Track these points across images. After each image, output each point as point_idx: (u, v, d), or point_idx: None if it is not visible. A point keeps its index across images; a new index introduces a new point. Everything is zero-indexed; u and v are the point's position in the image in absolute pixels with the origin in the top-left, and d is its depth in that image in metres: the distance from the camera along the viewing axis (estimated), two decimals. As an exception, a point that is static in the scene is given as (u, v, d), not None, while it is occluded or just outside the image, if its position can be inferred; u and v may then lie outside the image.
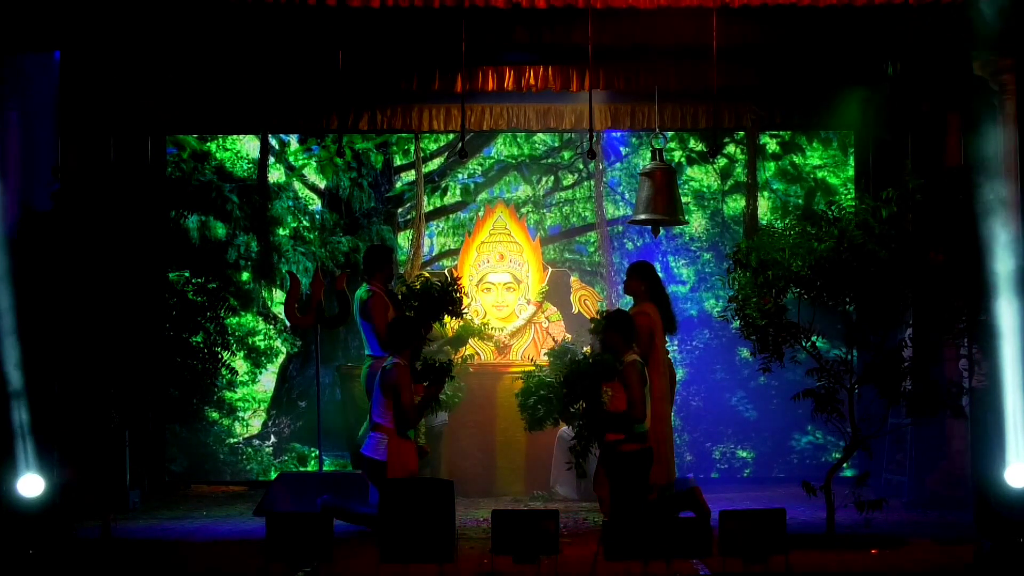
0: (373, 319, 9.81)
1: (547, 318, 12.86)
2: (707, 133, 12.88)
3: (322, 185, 14.38)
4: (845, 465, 10.83)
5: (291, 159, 14.36)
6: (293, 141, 14.30)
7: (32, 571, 8.29)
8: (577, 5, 10.08)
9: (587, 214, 14.39)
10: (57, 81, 10.73)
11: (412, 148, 13.74)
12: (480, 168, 14.43)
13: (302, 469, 13.60)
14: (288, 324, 12.86)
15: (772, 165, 14.14)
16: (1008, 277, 9.24)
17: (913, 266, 9.05)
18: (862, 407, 10.01)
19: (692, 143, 14.05)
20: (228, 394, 13.74)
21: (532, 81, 11.51)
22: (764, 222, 12.62)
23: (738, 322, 9.33)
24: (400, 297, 9.89)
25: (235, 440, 13.95)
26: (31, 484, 8.65)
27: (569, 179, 14.53)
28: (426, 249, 13.77)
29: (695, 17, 10.27)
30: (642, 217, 11.50)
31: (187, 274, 10.04)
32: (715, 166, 14.09)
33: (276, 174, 14.13)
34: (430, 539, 7.88)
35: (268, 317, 13.95)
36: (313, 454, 13.52)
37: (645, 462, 8.74)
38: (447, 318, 10.12)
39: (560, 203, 14.53)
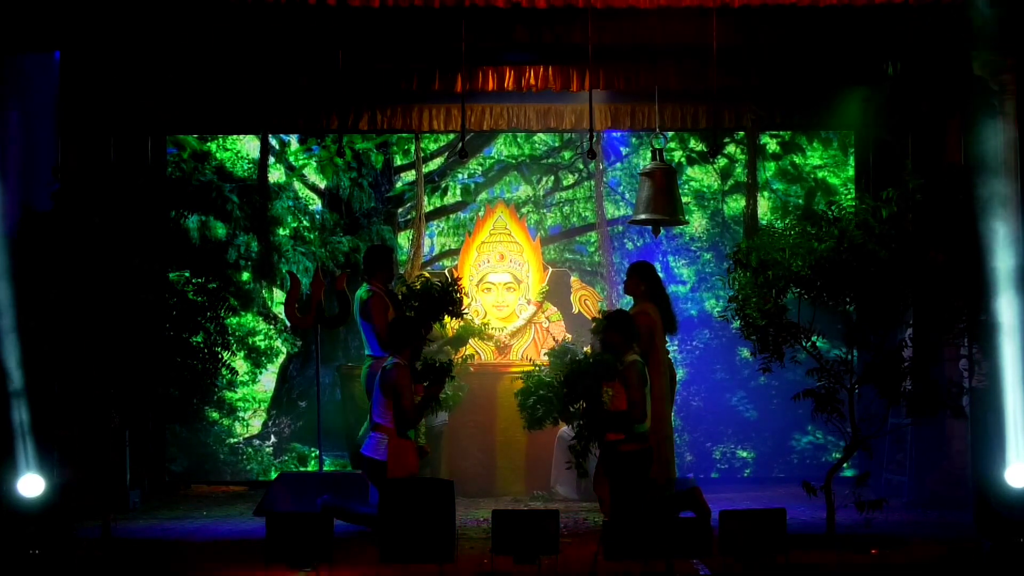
0: (373, 319, 9.81)
1: (547, 318, 12.86)
2: (707, 133, 12.88)
3: (322, 185, 14.38)
4: (845, 465, 10.83)
5: (291, 159, 14.36)
6: (293, 141, 14.30)
7: (32, 571, 8.29)
8: (577, 5, 10.08)
9: (587, 214, 14.40)
10: (57, 81, 10.73)
11: (412, 148, 13.74)
12: (480, 168, 14.43)
13: (302, 469, 13.60)
14: (288, 324, 12.86)
15: (772, 165, 14.14)
16: (1008, 277, 9.25)
17: (913, 266, 9.05)
18: (862, 407, 10.01)
19: (692, 143, 14.06)
20: (228, 394, 13.74)
21: (532, 81, 11.51)
22: (764, 222, 12.63)
23: (738, 322, 9.33)
24: (400, 297, 9.89)
25: (235, 440, 13.95)
26: (31, 484, 8.65)
27: (569, 179, 14.53)
28: (426, 249, 13.77)
29: (695, 17, 10.27)
30: (642, 217, 11.50)
31: (187, 274, 10.03)
32: (715, 166, 14.09)
33: (276, 174, 14.12)
34: (430, 539, 7.88)
35: (268, 317, 13.95)
36: (313, 454, 13.52)
37: (645, 462, 8.75)
38: (447, 318, 10.12)
39: (560, 203, 14.53)
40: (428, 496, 8.04)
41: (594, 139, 11.67)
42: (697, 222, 14.22)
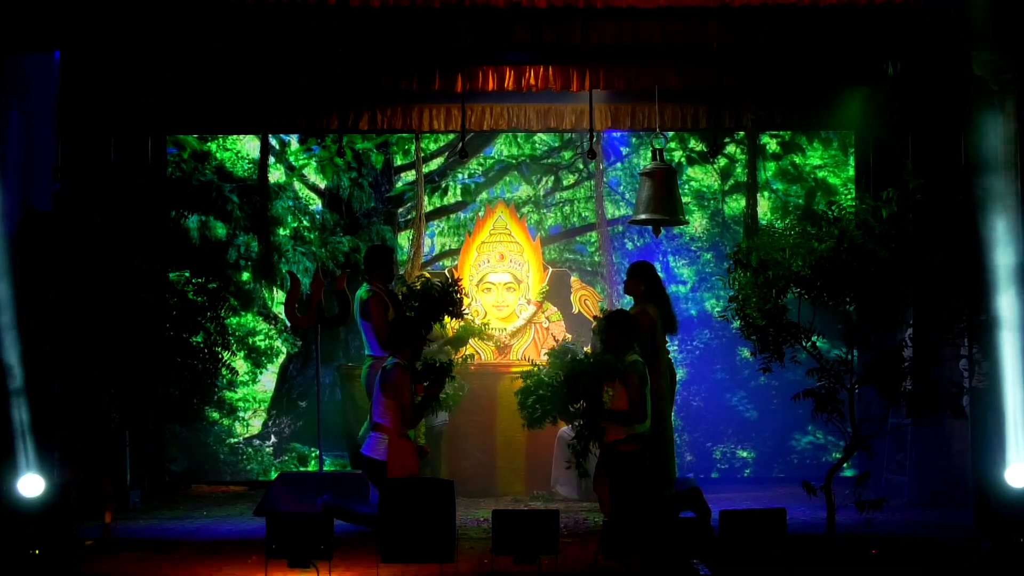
0: (373, 319, 9.81)
1: (547, 318, 12.86)
2: (707, 133, 12.88)
3: (322, 185, 14.38)
4: (845, 465, 10.83)
5: (291, 159, 14.37)
6: (293, 141, 14.30)
7: (32, 571, 8.29)
8: (577, 5, 10.08)
9: (587, 214, 14.40)
10: (57, 81, 10.73)
11: (412, 148, 13.74)
12: (480, 168, 14.44)
13: (302, 469, 13.60)
14: (288, 324, 12.86)
15: (772, 165, 14.15)
16: (1008, 277, 9.25)
17: (913, 266, 9.04)
18: (862, 407, 10.01)
19: (692, 143, 14.06)
20: (228, 394, 13.75)
21: (532, 81, 11.50)
22: (764, 222, 12.61)
23: (738, 322, 9.33)
24: (400, 297, 9.89)
25: (235, 440, 13.96)
26: (31, 484, 8.65)
27: (569, 179, 14.53)
28: (426, 249, 13.77)
29: (695, 17, 10.27)
30: (642, 217, 11.50)
31: (187, 274, 10.03)
32: (715, 166, 14.09)
33: (276, 174, 14.13)
34: (430, 539, 7.88)
35: (268, 317, 13.95)
36: (313, 454, 13.52)
37: (645, 462, 8.74)
38: (447, 318, 10.12)
39: (560, 203, 14.54)
40: (428, 496, 8.04)
41: (594, 139, 11.70)
42: (697, 222, 14.23)
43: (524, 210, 13.99)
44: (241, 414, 14.00)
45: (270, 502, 10.47)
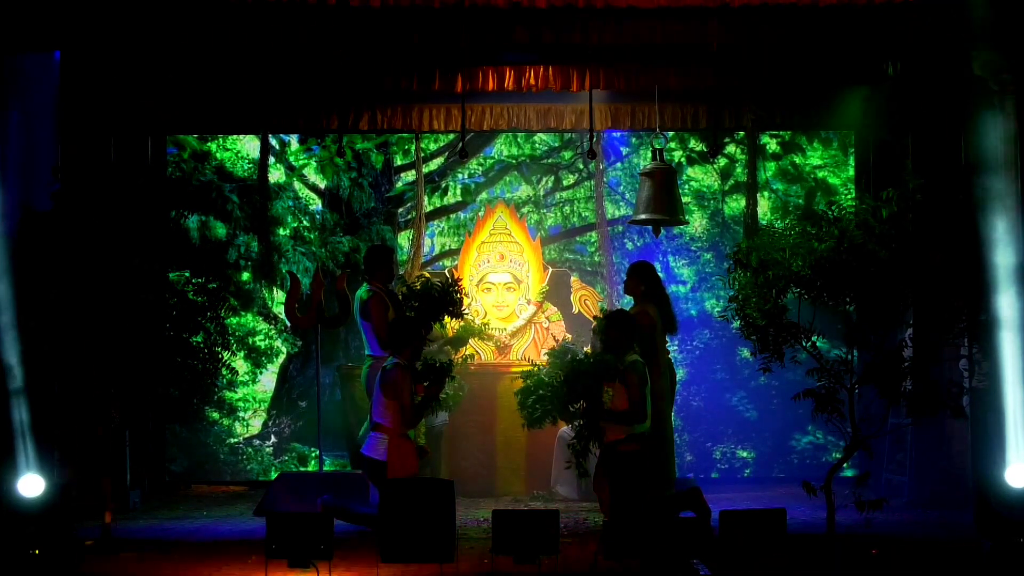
0: (373, 319, 9.81)
1: (547, 318, 12.86)
2: (707, 133, 12.89)
3: (322, 185, 14.38)
4: (845, 465, 10.83)
5: (291, 159, 14.36)
6: (293, 141, 14.30)
7: (32, 571, 8.29)
8: (577, 5, 10.08)
9: (587, 214, 14.40)
10: (57, 81, 10.73)
11: (412, 148, 13.74)
12: (480, 168, 14.44)
13: (302, 469, 13.60)
14: (288, 324, 12.86)
15: (772, 165, 14.14)
16: (1008, 277, 9.25)
17: (913, 266, 9.04)
18: (862, 407, 10.01)
19: (692, 143, 14.06)
20: (228, 394, 13.75)
21: (532, 81, 11.50)
22: (764, 222, 12.62)
23: (738, 322, 9.33)
24: (400, 297, 9.89)
25: (235, 440, 13.95)
26: (31, 484, 8.65)
27: (569, 179, 14.53)
28: (426, 249, 13.77)
29: (695, 17, 10.27)
30: (642, 217, 11.50)
31: (187, 274, 10.04)
32: (715, 166, 14.09)
33: (276, 174, 14.13)
34: (430, 539, 7.88)
35: (268, 317, 13.95)
36: (313, 454, 13.52)
37: (645, 462, 8.74)
38: (447, 319, 10.11)
39: (560, 203, 14.54)
40: (428, 496, 8.04)
41: (594, 139, 11.69)
42: (697, 222, 14.23)
43: (524, 210, 13.99)
44: (241, 414, 14.00)
45: (270, 502, 10.48)
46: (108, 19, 10.23)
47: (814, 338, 9.22)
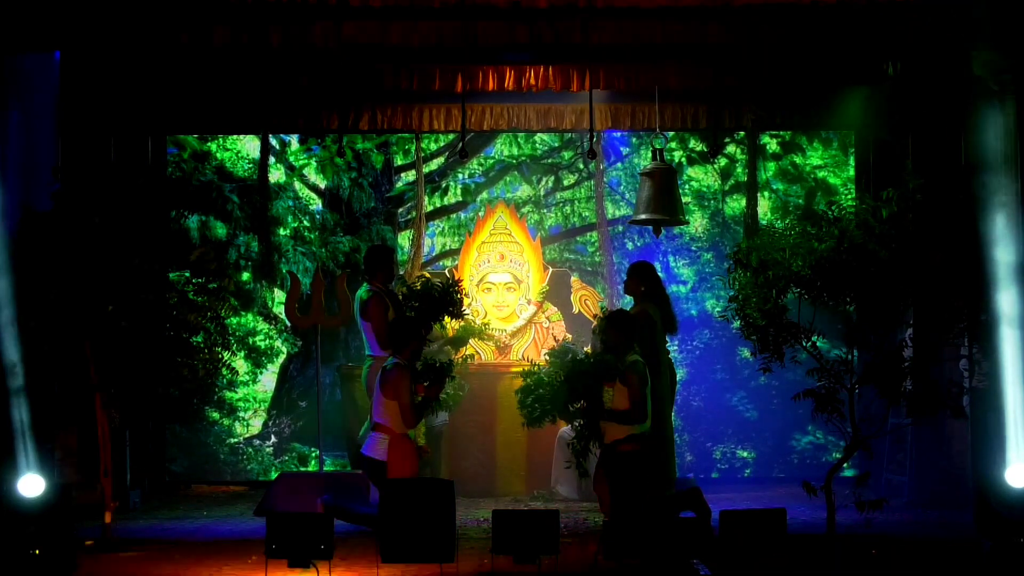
0: (373, 319, 9.81)
1: (548, 318, 12.86)
2: (707, 133, 12.88)
3: (322, 185, 14.38)
4: (845, 465, 10.83)
5: (291, 159, 14.36)
6: (293, 141, 14.30)
7: (32, 571, 8.29)
8: (577, 5, 10.07)
9: (587, 214, 14.40)
10: (57, 81, 10.73)
11: (412, 148, 13.75)
12: (480, 168, 14.43)
13: (302, 469, 13.60)
14: (288, 324, 12.86)
15: (772, 165, 14.14)
16: (1009, 277, 9.25)
17: (913, 266, 9.04)
18: (862, 407, 10.01)
19: (692, 143, 14.06)
20: (228, 394, 13.75)
21: (532, 81, 11.49)
22: (764, 222, 12.63)
23: (738, 322, 9.32)
24: (400, 297, 9.89)
25: (235, 440, 13.95)
26: (31, 484, 8.65)
27: (569, 179, 14.53)
28: (426, 249, 13.77)
29: (696, 17, 10.27)
30: (643, 217, 11.51)
31: (187, 274, 10.03)
32: (715, 166, 14.09)
33: (276, 174, 14.13)
34: (430, 539, 7.88)
35: (268, 317, 13.95)
36: (313, 454, 13.52)
37: (645, 462, 8.74)
38: (447, 319, 10.11)
39: (560, 203, 14.53)
40: (428, 496, 8.04)
41: (594, 139, 11.69)
42: (697, 222, 14.22)
43: (524, 210, 13.99)
44: (241, 414, 13.99)
45: (270, 502, 10.46)
46: (108, 19, 10.23)
47: (814, 338, 9.22)
